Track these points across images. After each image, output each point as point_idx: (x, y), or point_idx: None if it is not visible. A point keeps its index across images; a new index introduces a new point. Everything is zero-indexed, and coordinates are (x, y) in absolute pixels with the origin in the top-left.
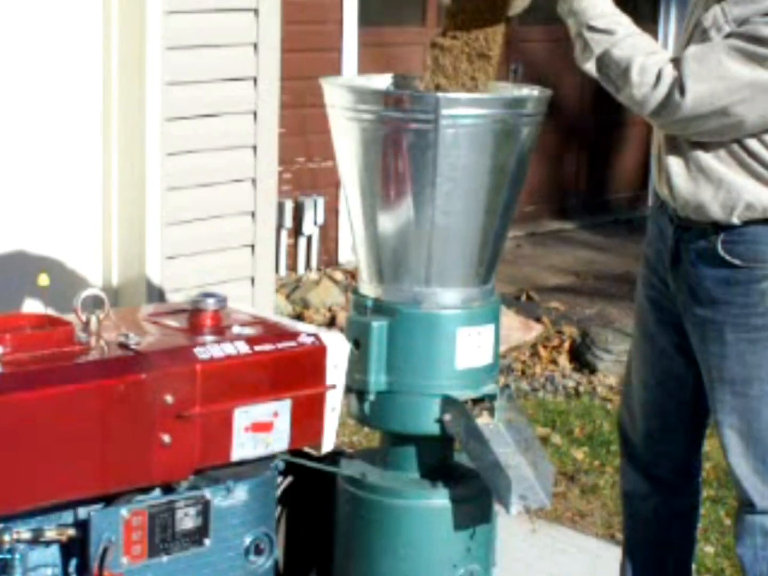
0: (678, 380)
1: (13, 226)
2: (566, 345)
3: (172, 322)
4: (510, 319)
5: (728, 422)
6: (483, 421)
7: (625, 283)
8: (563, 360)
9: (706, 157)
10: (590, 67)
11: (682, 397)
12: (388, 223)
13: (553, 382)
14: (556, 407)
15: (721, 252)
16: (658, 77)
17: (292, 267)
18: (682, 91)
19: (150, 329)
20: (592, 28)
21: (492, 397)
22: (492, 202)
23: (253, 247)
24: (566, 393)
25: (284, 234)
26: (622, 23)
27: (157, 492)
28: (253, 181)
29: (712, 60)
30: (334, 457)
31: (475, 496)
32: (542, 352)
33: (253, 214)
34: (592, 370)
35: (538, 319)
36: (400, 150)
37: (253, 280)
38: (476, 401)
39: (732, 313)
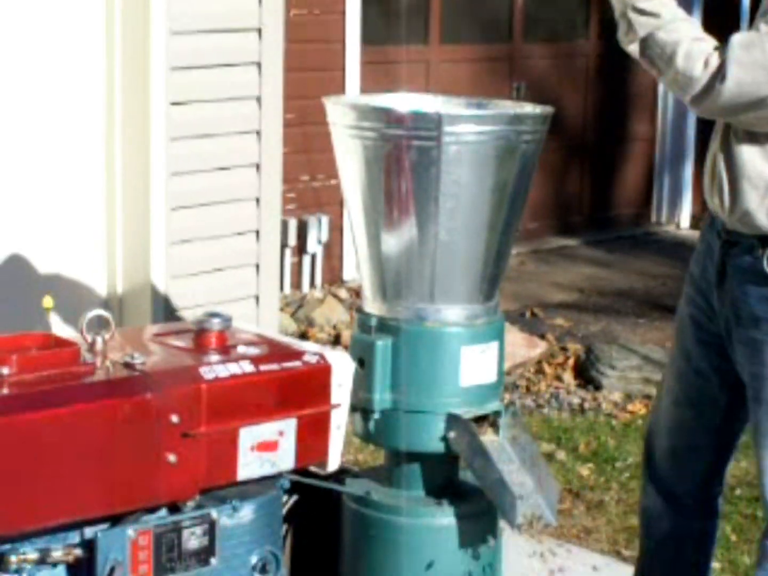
0: (711, 402)
1: (17, 245)
2: (571, 361)
3: (177, 342)
4: (514, 335)
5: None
6: (488, 438)
7: (630, 299)
8: (568, 376)
9: (754, 163)
10: (633, 49)
11: (712, 419)
12: (391, 240)
13: (558, 399)
14: (560, 424)
15: (766, 268)
16: (705, 64)
17: (297, 285)
18: (723, 78)
19: (155, 349)
20: (637, 10)
21: (497, 415)
22: (495, 218)
23: (257, 266)
24: (571, 409)
25: (288, 252)
26: (668, 6)
27: (163, 512)
28: (258, 200)
29: (757, 48)
30: (340, 475)
31: (481, 513)
32: (547, 368)
33: (257, 233)
34: (597, 387)
35: (542, 336)
36: (403, 167)
37: (257, 299)
38: (481, 419)
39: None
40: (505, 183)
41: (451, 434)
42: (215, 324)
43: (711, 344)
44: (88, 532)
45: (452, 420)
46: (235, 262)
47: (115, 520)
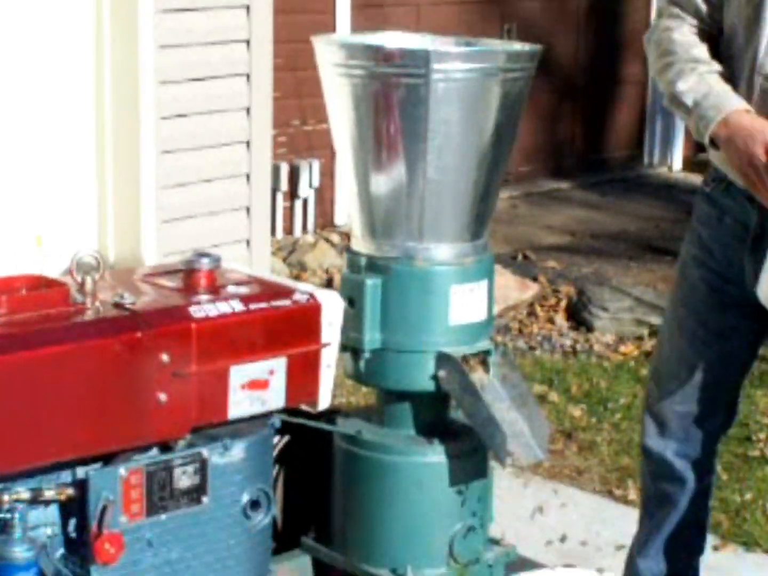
0: (732, 363)
1: (8, 191)
2: (563, 304)
3: (167, 282)
4: (506, 278)
5: None
6: (478, 376)
7: (622, 242)
8: (560, 319)
9: None
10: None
11: (731, 379)
12: (380, 179)
13: (550, 341)
14: (553, 365)
15: None
16: None
17: (289, 230)
18: None
19: (145, 289)
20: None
21: (487, 353)
22: (484, 156)
23: (248, 209)
24: (563, 351)
25: (280, 197)
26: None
27: (154, 451)
28: (248, 143)
29: None
30: (331, 415)
31: (471, 451)
32: (539, 311)
33: (248, 177)
34: (589, 329)
35: (534, 279)
36: (392, 105)
37: (248, 243)
38: (471, 357)
39: None
40: (493, 121)
41: (441, 373)
42: (205, 264)
43: (733, 306)
44: (80, 471)
45: (442, 359)
46: (226, 206)
47: (107, 459)
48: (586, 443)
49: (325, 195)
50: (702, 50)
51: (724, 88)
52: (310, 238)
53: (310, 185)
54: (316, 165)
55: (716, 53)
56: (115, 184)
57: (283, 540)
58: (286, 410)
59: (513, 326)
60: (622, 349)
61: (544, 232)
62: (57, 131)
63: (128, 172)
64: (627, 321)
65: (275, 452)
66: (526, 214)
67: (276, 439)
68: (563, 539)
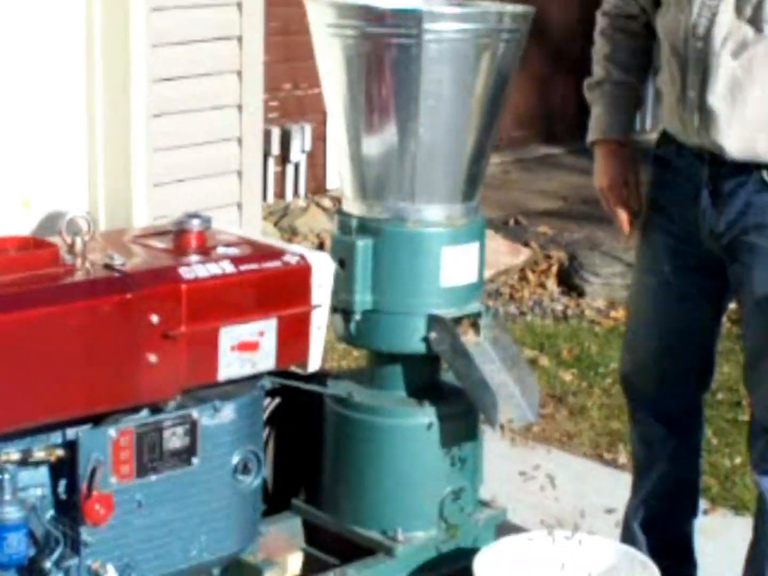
0: (699, 324)
1: None
2: (554, 269)
3: (157, 244)
4: (498, 243)
5: None
6: (468, 339)
7: None
8: (551, 284)
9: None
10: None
11: (701, 340)
12: (371, 139)
13: (542, 306)
14: (544, 330)
15: (766, 178)
16: None
17: (280, 194)
18: None
19: (135, 250)
20: None
21: (477, 315)
22: (475, 118)
23: (239, 173)
24: (554, 316)
25: (271, 161)
26: None
27: (144, 412)
28: (239, 107)
29: None
30: (322, 377)
31: (462, 414)
32: (530, 276)
33: (239, 141)
34: (580, 294)
35: (526, 244)
36: (384, 66)
37: (240, 206)
38: (461, 319)
39: None
40: (485, 82)
41: (432, 335)
42: (195, 225)
43: (695, 267)
44: (70, 432)
45: (433, 321)
46: (217, 169)
47: (97, 420)
48: (577, 407)
49: (316, 159)
50: (617, 51)
51: (601, 112)
52: (301, 202)
53: (302, 150)
54: (307, 129)
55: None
56: (105, 147)
57: (274, 502)
58: (276, 372)
59: (504, 291)
60: (613, 314)
61: (535, 197)
62: (46, 94)
63: (119, 135)
64: (618, 286)
65: (266, 414)
66: (517, 179)
67: (267, 401)
68: (554, 502)
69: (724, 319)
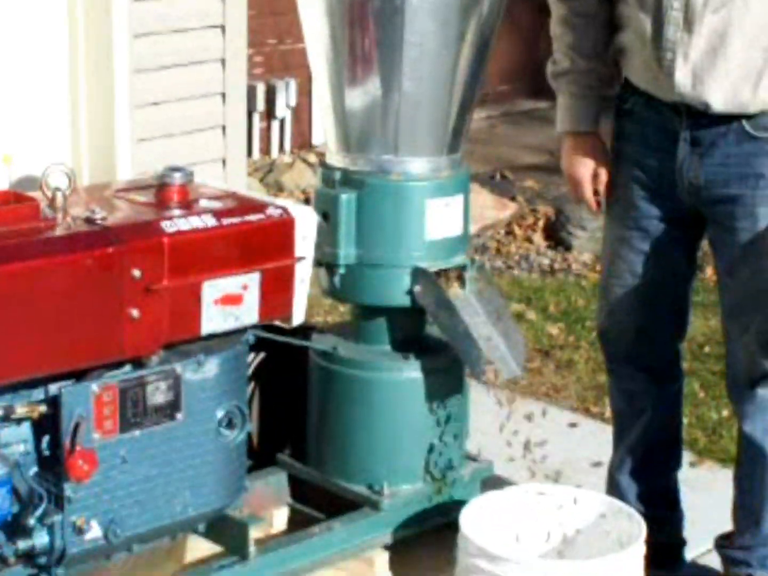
0: (675, 274)
1: None
2: (541, 223)
3: (138, 197)
4: (484, 197)
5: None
6: (453, 291)
7: None
8: (538, 238)
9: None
10: None
11: (677, 289)
12: (355, 91)
13: (528, 260)
14: (530, 284)
15: (748, 128)
16: None
17: (266, 150)
18: None
19: (117, 204)
20: None
21: (463, 268)
22: (459, 69)
23: (223, 128)
24: (541, 270)
25: (257, 117)
26: None
27: (127, 368)
28: (222, 61)
29: None
30: (306, 331)
31: (447, 367)
32: (517, 230)
33: (223, 96)
34: (567, 248)
35: (512, 198)
36: (367, 16)
37: (224, 162)
38: (447, 272)
39: (761, 185)
40: (469, 33)
41: (417, 288)
42: (177, 178)
43: (671, 218)
44: (53, 388)
45: (417, 274)
46: (201, 125)
47: (80, 376)
48: (564, 361)
49: (302, 115)
50: (580, 40)
51: (570, 104)
52: (287, 158)
53: (287, 105)
54: (292, 85)
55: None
56: (88, 103)
57: (260, 457)
58: (262, 326)
59: (491, 245)
60: (600, 268)
61: (522, 151)
62: (29, 49)
63: (101, 91)
64: None
65: (251, 369)
66: (504, 133)
67: (252, 355)
68: (540, 456)
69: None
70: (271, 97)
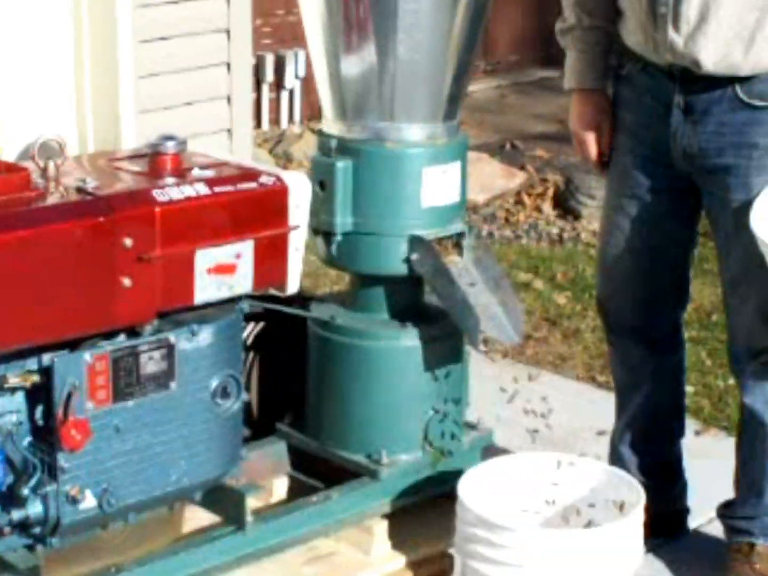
0: (673, 243)
1: None
2: (550, 192)
3: (131, 167)
4: (493, 167)
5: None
6: (451, 259)
7: None
8: (547, 207)
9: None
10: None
11: (674, 260)
12: (350, 57)
13: (537, 229)
14: (539, 253)
15: (741, 95)
16: None
17: (275, 121)
18: None
19: (109, 174)
20: None
21: (460, 236)
22: (455, 35)
23: (229, 98)
24: (550, 240)
25: (266, 88)
26: None
27: (121, 337)
28: (228, 31)
29: None
30: (305, 300)
31: (446, 336)
32: (526, 199)
33: (228, 66)
34: (576, 217)
35: (522, 167)
36: None
37: (230, 132)
38: (444, 240)
39: (755, 156)
40: None
41: (414, 256)
42: (170, 147)
43: (667, 188)
44: (46, 358)
45: (414, 242)
46: (206, 95)
47: (74, 346)
48: (570, 330)
49: (311, 85)
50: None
51: (575, 60)
52: (296, 129)
53: (296, 76)
54: (301, 55)
55: None
56: (92, 74)
57: (260, 427)
58: (260, 296)
59: (500, 215)
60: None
61: (532, 120)
62: (33, 20)
63: (106, 62)
64: None
65: (251, 339)
66: (514, 103)
67: (252, 325)
68: (544, 425)
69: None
70: (280, 68)
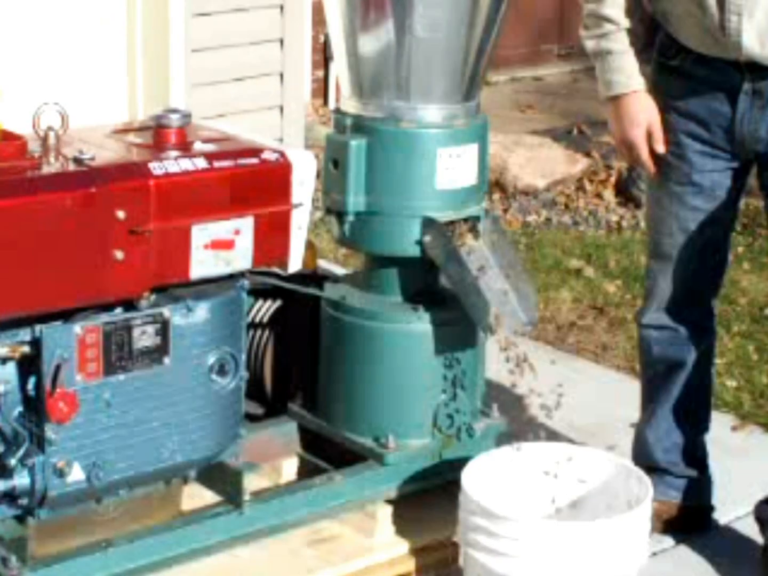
0: (720, 226)
1: (33, 56)
2: (613, 179)
3: (133, 139)
4: (555, 152)
5: None
6: (466, 243)
7: None
8: (608, 194)
9: None
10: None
11: (718, 242)
12: (367, 34)
13: (596, 217)
14: (594, 241)
15: None
16: None
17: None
18: None
19: (110, 145)
20: None
21: (476, 219)
22: (474, 12)
23: (281, 75)
24: (608, 227)
25: (333, 66)
26: None
27: (118, 310)
28: (281, 7)
29: None
30: (320, 280)
31: (459, 320)
32: (588, 186)
33: (281, 42)
34: (637, 205)
35: (587, 153)
36: None
37: (281, 109)
38: (459, 223)
39: None
40: None
41: (426, 238)
42: (174, 120)
43: (724, 172)
44: (36, 329)
45: (427, 224)
46: (258, 71)
47: (68, 318)
48: (617, 319)
49: None
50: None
51: (620, 64)
52: None
53: None
54: None
55: None
56: (144, 48)
57: (273, 405)
58: (276, 274)
59: (559, 201)
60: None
61: (603, 106)
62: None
63: (158, 35)
64: None
65: (267, 316)
66: (586, 87)
67: (268, 303)
68: (576, 415)
69: None
70: None
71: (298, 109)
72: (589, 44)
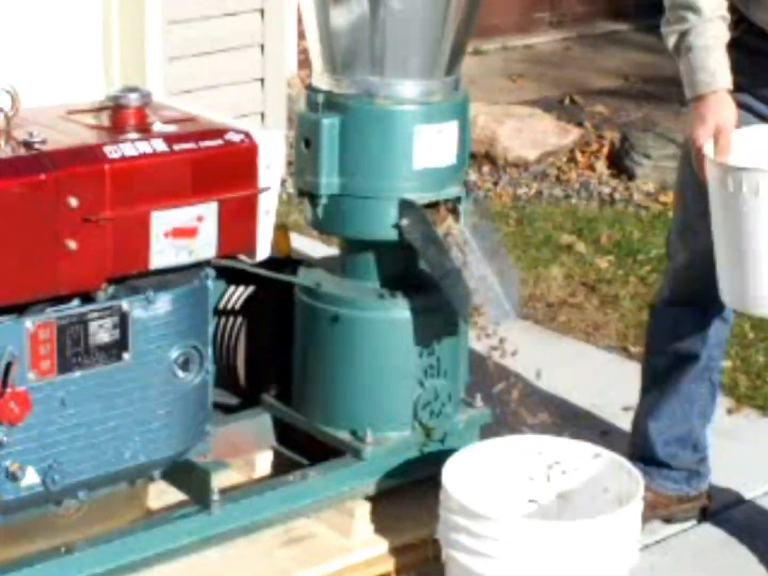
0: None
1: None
2: (605, 150)
3: (89, 120)
4: (546, 123)
5: None
6: (447, 226)
7: (675, 86)
8: (601, 165)
9: None
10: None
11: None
12: (339, 5)
13: (588, 188)
14: (586, 214)
15: None
16: None
17: None
18: None
19: (64, 128)
20: None
21: (456, 201)
22: None
23: (262, 46)
24: (600, 199)
25: None
26: None
27: (74, 303)
28: None
29: None
30: (294, 265)
31: (440, 307)
32: (579, 157)
33: (261, 12)
34: (630, 177)
35: (579, 124)
36: None
37: (263, 82)
38: (439, 204)
39: None
40: None
41: (404, 221)
42: (132, 99)
43: None
44: None
45: (405, 206)
46: (239, 42)
47: (20, 313)
48: (609, 297)
49: None
50: None
51: (706, 62)
52: None
53: None
54: None
55: None
56: (120, 21)
57: (248, 397)
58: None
59: (551, 173)
60: (663, 198)
61: (596, 75)
62: None
63: (134, 7)
64: (670, 169)
65: (239, 303)
66: (579, 56)
67: (240, 289)
68: (567, 397)
69: None
70: None
71: (280, 81)
72: (670, 41)
